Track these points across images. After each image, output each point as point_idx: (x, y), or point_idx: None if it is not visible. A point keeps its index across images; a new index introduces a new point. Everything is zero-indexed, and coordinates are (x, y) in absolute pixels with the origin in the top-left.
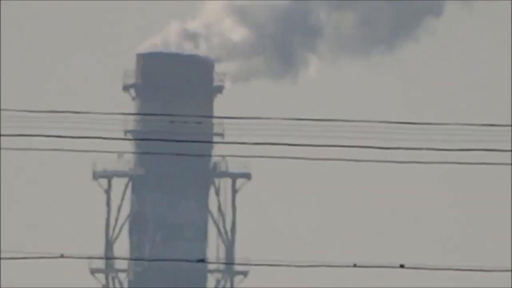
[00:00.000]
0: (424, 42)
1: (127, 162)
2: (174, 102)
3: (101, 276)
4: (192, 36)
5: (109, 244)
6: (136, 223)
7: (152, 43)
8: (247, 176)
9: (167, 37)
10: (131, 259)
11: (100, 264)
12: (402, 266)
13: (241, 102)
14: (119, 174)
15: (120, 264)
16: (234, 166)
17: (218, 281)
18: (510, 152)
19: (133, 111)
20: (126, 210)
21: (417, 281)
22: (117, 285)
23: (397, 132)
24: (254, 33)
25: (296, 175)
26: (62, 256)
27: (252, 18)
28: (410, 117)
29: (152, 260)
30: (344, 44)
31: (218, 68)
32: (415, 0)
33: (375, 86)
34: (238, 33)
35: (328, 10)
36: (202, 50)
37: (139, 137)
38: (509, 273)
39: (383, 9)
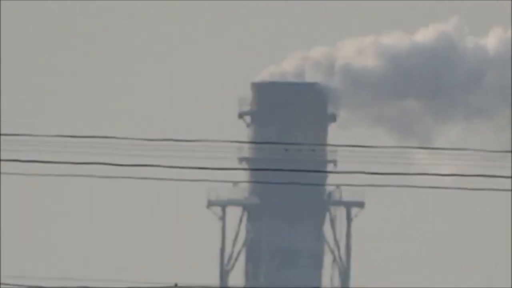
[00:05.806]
0: None
1: (242, 190)
2: (288, 129)
3: None
4: (306, 66)
5: (224, 273)
6: (251, 251)
7: (268, 72)
8: (360, 205)
9: (283, 67)
10: None
11: None
12: None
13: (354, 130)
14: (234, 203)
15: None
16: (348, 194)
17: None
18: None
19: (247, 138)
20: (241, 238)
21: None
22: None
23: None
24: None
25: (410, 204)
26: (176, 285)
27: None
28: None
29: None
30: None
31: (332, 96)
32: None
33: None
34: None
35: None
36: (316, 78)
37: (253, 165)
38: None
39: None
